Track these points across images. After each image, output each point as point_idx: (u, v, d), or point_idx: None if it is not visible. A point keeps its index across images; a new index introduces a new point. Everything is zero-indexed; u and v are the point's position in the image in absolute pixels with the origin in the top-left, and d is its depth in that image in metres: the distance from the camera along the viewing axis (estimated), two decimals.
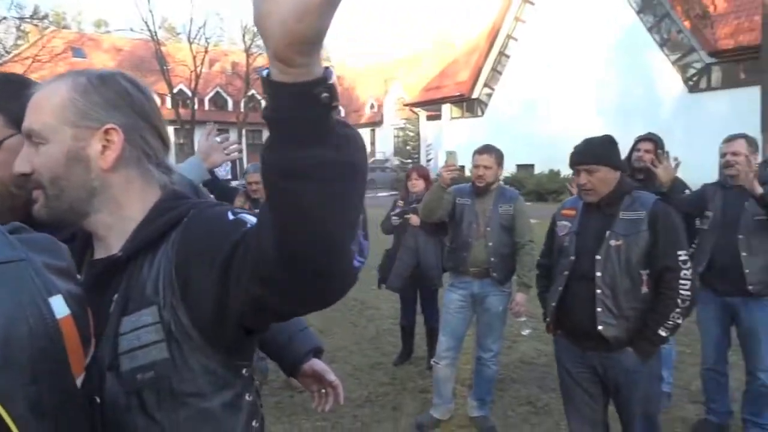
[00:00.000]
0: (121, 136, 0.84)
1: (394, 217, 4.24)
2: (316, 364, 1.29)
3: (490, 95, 25.57)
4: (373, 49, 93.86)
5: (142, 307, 0.80)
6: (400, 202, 4.30)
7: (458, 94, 26.07)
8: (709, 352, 3.12)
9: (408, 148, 34.17)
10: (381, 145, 39.45)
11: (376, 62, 47.65)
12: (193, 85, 29.47)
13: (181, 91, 31.17)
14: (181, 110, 30.11)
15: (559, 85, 21.95)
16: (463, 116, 26.87)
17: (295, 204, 0.61)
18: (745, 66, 17.00)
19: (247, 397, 0.88)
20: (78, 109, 0.83)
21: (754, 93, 13.02)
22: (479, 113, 26.07)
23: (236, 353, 0.85)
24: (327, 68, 0.60)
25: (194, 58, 28.53)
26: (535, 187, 19.30)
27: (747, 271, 2.85)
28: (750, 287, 2.84)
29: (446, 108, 27.36)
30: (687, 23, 17.75)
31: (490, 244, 3.07)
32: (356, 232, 0.65)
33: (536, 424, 3.32)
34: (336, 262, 0.66)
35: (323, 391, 1.35)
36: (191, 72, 28.97)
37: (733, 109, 15.94)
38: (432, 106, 28.15)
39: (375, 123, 40.21)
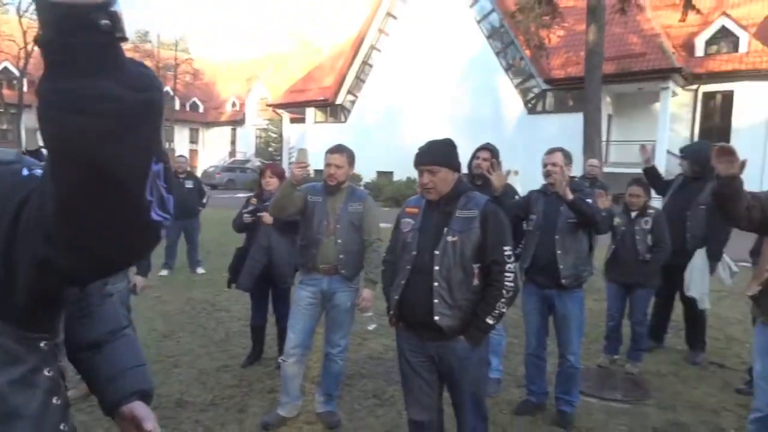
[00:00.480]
0: None
1: (246, 215, 4.12)
2: (138, 408, 1.14)
3: (353, 102, 26.13)
4: (236, 45, 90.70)
5: None
6: (254, 200, 4.20)
7: (322, 98, 26.26)
8: (531, 340, 3.50)
9: (270, 149, 33.52)
10: (242, 145, 38.20)
11: (238, 59, 46.05)
12: (21, 64, 25.87)
13: (6, 69, 27.21)
14: (6, 91, 26.28)
15: (417, 97, 23.17)
16: (327, 121, 27.10)
17: (72, 142, 0.55)
18: (573, 94, 19.48)
19: (46, 373, 0.81)
20: None
21: (579, 118, 14.94)
22: (342, 119, 26.49)
23: (31, 325, 0.77)
24: None
25: (24, 33, 25.08)
26: (393, 193, 20.08)
27: (561, 266, 3.25)
28: (563, 281, 3.25)
29: (310, 111, 27.38)
30: (528, 52, 19.85)
31: (340, 241, 3.12)
32: (151, 180, 0.60)
33: (381, 415, 3.44)
34: (126, 212, 0.60)
35: None
36: (20, 49, 25.43)
37: (562, 131, 18.13)
38: (296, 108, 27.98)
39: (236, 122, 38.85)
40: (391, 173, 22.40)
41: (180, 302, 5.98)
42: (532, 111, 21.19)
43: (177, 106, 37.64)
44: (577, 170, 7.82)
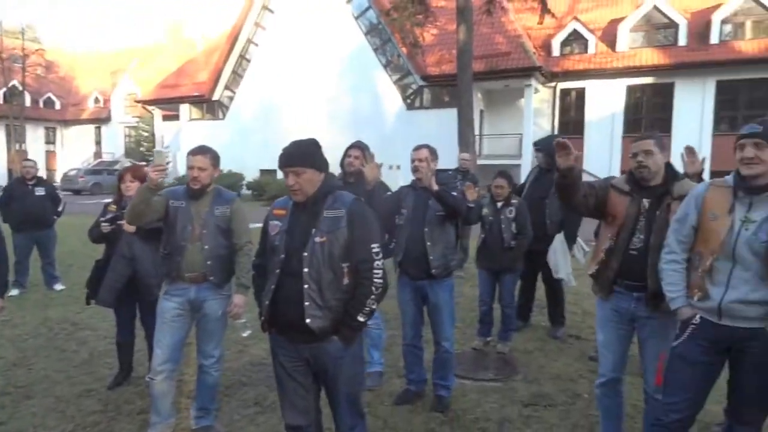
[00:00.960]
0: None
1: (104, 224, 3.78)
2: None
3: (231, 98, 25.14)
4: (95, 35, 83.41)
5: None
6: (112, 207, 3.86)
7: (197, 94, 24.99)
8: (407, 330, 3.61)
9: (141, 149, 31.29)
10: (109, 144, 35.18)
11: (98, 51, 42.26)
12: None
13: None
14: None
15: (297, 93, 22.90)
16: (204, 118, 25.85)
17: None
18: (448, 91, 20.42)
19: None
20: None
21: (455, 113, 15.68)
22: (220, 116, 25.41)
23: None
24: None
25: None
26: (276, 192, 19.63)
27: (431, 257, 3.38)
28: (433, 271, 3.38)
29: (185, 108, 25.92)
30: (404, 49, 20.45)
31: (206, 247, 2.97)
32: None
33: (262, 423, 3.34)
34: None
35: None
36: None
37: (440, 125, 18.96)
38: (169, 105, 26.33)
39: (101, 120, 35.67)
40: (274, 171, 21.89)
41: (34, 324, 5.36)
42: (410, 107, 21.87)
43: (28, 102, 33.65)
44: (454, 164, 8.24)
